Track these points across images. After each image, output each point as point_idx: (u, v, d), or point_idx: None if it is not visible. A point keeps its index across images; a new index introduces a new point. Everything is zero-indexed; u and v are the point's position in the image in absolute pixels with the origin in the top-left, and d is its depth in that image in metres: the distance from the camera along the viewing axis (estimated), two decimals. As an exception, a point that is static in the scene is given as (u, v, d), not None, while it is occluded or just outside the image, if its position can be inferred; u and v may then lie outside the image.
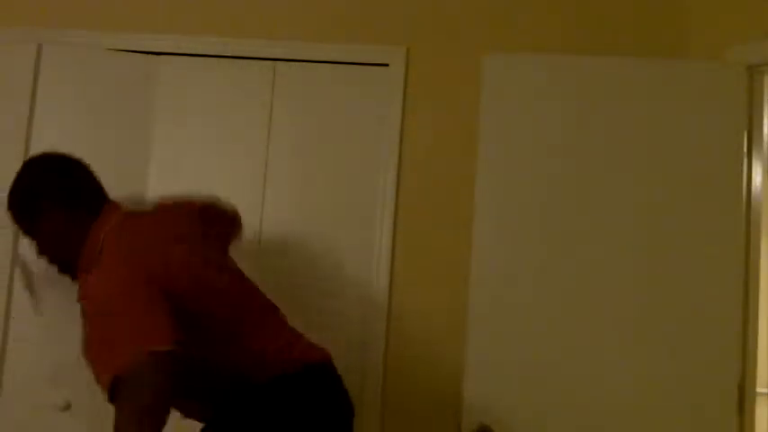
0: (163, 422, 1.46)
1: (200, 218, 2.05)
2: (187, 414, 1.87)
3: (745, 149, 2.31)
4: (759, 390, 2.33)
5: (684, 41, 2.58)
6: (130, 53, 2.72)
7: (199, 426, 1.88)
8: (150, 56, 2.72)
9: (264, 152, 2.66)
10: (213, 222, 2.11)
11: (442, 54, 2.66)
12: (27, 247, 1.98)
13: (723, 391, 2.22)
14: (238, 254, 2.61)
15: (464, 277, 2.44)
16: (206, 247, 1.94)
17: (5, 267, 2.60)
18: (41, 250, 1.89)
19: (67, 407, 2.53)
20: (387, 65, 2.66)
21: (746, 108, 2.33)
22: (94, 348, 1.59)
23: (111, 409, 1.55)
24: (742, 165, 2.30)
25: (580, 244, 2.29)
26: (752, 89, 2.36)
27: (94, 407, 1.89)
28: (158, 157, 2.67)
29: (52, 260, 1.89)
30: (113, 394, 1.50)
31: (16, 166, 2.61)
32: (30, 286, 1.94)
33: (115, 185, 2.65)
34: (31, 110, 2.66)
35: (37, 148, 2.65)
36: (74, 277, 1.86)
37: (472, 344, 2.27)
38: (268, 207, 2.64)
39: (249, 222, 2.64)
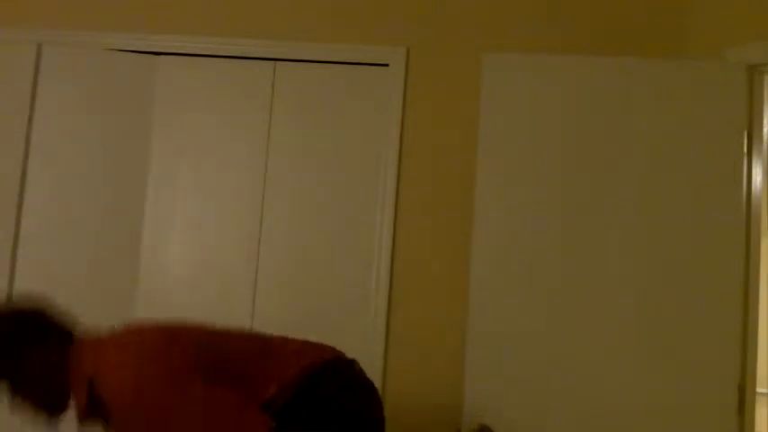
0: None
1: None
2: None
3: (745, 149, 2.31)
4: (759, 390, 2.33)
5: (684, 41, 2.58)
6: (130, 53, 2.72)
7: None
8: (150, 56, 2.72)
9: (264, 152, 2.66)
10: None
11: (442, 54, 2.66)
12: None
13: (723, 391, 2.22)
14: (238, 254, 2.61)
15: (464, 277, 2.45)
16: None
17: (6, 266, 2.60)
18: (32, 402, 1.72)
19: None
20: (387, 65, 2.66)
21: (746, 108, 2.33)
22: None
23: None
24: (742, 165, 2.30)
25: (580, 244, 2.29)
26: (752, 89, 2.36)
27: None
28: (158, 157, 2.67)
29: (43, 407, 1.73)
30: None
31: (16, 165, 2.63)
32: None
33: (115, 185, 2.66)
34: (31, 110, 2.66)
35: (37, 148, 2.66)
36: (62, 411, 1.74)
37: (472, 344, 2.27)
38: (268, 207, 2.64)
39: (249, 222, 2.64)
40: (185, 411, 1.58)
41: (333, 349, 1.90)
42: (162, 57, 2.72)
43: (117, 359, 1.63)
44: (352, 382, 1.85)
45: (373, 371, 2.52)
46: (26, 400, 1.72)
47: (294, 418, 1.73)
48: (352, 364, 1.88)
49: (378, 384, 2.52)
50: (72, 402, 1.72)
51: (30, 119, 2.66)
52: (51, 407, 1.73)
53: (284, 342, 1.88)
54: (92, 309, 2.55)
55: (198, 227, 2.64)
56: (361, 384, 1.86)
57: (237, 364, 1.75)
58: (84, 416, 1.68)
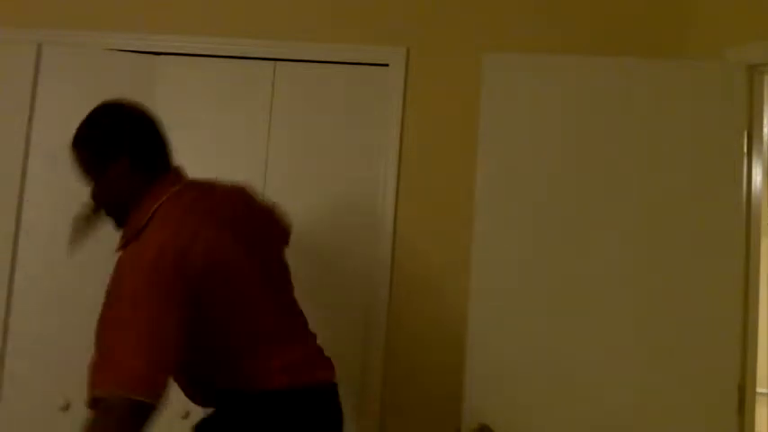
0: None
1: (258, 214, 2.01)
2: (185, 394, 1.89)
3: (745, 149, 2.31)
4: (759, 390, 2.33)
5: (684, 41, 2.58)
6: (130, 53, 2.72)
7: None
8: (150, 56, 2.72)
9: (264, 152, 2.66)
10: (270, 224, 2.07)
11: (442, 54, 2.66)
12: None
13: (723, 391, 2.21)
14: (238, 254, 2.62)
15: (465, 277, 2.44)
16: (253, 239, 1.88)
17: (6, 267, 2.60)
18: (96, 194, 1.84)
19: (67, 407, 2.53)
20: (387, 65, 2.66)
21: (746, 108, 2.33)
22: (98, 342, 1.61)
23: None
24: (742, 165, 2.30)
25: (580, 243, 2.29)
26: (752, 89, 2.36)
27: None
28: (158, 157, 2.67)
29: (103, 205, 1.85)
30: (91, 404, 1.56)
31: (16, 165, 2.63)
32: (82, 228, 1.89)
33: (115, 185, 2.66)
34: (31, 110, 2.66)
35: (37, 148, 2.66)
36: (118, 225, 1.84)
37: (472, 344, 2.27)
38: (268, 207, 2.64)
39: (249, 222, 2.64)
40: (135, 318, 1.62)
41: (326, 370, 1.92)
42: (162, 57, 2.72)
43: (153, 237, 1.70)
44: (329, 412, 1.89)
45: (373, 371, 2.52)
46: (96, 198, 1.84)
47: (268, 411, 1.76)
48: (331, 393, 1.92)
49: (378, 384, 2.52)
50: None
51: (30, 119, 2.66)
52: (117, 215, 1.84)
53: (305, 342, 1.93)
54: (91, 309, 2.54)
55: (198, 227, 2.64)
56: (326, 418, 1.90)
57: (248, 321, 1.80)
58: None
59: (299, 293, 2.61)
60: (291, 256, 2.61)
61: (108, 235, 1.90)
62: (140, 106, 1.91)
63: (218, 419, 1.81)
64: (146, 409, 1.52)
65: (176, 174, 1.89)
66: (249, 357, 1.78)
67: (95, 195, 1.86)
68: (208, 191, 1.91)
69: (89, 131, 1.83)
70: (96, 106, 1.87)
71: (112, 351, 1.58)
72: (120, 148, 1.80)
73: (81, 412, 1.67)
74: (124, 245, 1.77)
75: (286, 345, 1.84)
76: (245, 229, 1.88)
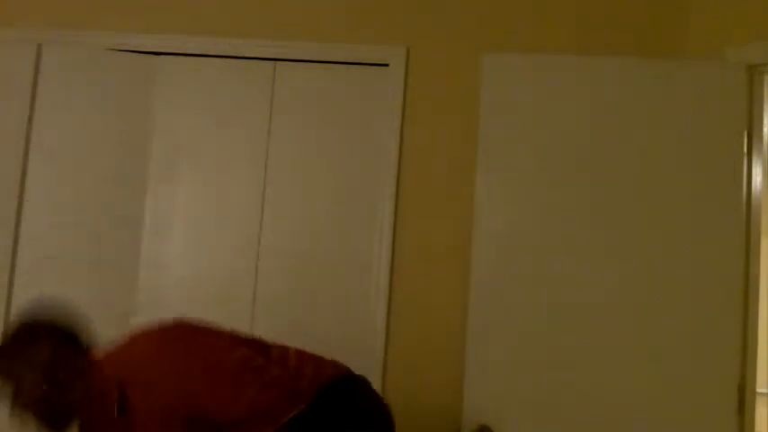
0: None
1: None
2: None
3: (745, 149, 2.31)
4: (759, 390, 2.33)
5: (684, 41, 2.58)
6: (130, 53, 2.72)
7: None
8: (150, 56, 2.72)
9: (264, 152, 2.66)
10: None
11: (442, 54, 2.66)
12: None
13: (723, 391, 2.22)
14: (238, 254, 2.62)
15: (464, 277, 2.45)
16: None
17: (6, 267, 2.60)
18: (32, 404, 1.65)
19: (67, 407, 2.52)
20: (387, 65, 2.66)
21: (746, 108, 2.33)
22: None
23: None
24: (742, 165, 2.30)
25: (580, 244, 2.29)
26: (752, 89, 2.36)
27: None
28: (158, 156, 2.67)
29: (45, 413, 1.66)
30: None
31: (16, 165, 2.63)
32: None
33: (115, 185, 2.66)
34: (31, 110, 2.66)
35: (37, 148, 2.66)
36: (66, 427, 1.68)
37: (472, 344, 2.27)
38: (268, 207, 2.64)
39: (249, 222, 2.64)
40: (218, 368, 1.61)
41: (345, 367, 1.90)
42: (162, 57, 2.72)
43: (144, 343, 1.66)
44: (370, 399, 1.86)
45: (373, 371, 2.52)
46: (33, 408, 1.64)
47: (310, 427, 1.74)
48: (365, 381, 1.90)
49: (378, 384, 2.52)
50: (81, 417, 1.68)
51: (30, 119, 2.66)
52: (56, 418, 1.65)
53: (297, 354, 1.89)
54: (92, 309, 2.55)
55: (198, 227, 2.64)
56: (377, 402, 1.87)
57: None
58: (112, 417, 1.65)
59: (299, 293, 2.61)
60: (292, 254, 2.62)
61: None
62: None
63: None
64: None
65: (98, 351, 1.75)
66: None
67: (25, 401, 1.64)
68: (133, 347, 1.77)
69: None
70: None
71: None
72: (41, 339, 1.66)
73: (81, 412, 1.66)
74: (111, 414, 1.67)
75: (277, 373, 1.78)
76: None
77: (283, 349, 1.87)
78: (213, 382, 1.66)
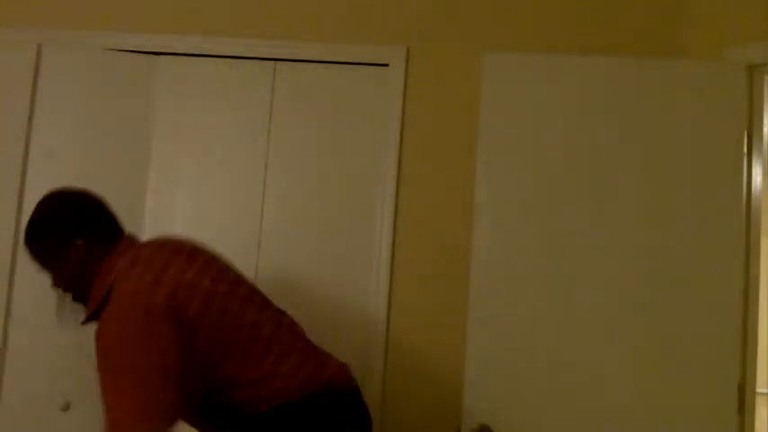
0: None
1: (209, 252, 2.00)
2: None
3: (745, 149, 2.31)
4: (759, 390, 2.33)
5: (684, 41, 2.58)
6: (130, 53, 2.72)
7: None
8: (150, 56, 2.72)
9: (264, 152, 2.66)
10: (220, 259, 2.04)
11: (442, 54, 2.66)
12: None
13: (723, 391, 2.22)
14: (238, 253, 2.61)
15: (464, 277, 2.45)
16: (217, 270, 1.90)
17: (6, 267, 2.60)
18: (61, 283, 1.89)
19: (67, 407, 2.53)
20: (387, 65, 2.66)
21: (746, 108, 2.33)
22: (104, 402, 1.64)
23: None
24: (742, 165, 2.30)
25: (580, 244, 2.29)
26: (752, 89, 2.37)
27: (94, 407, 1.89)
28: (158, 157, 2.67)
29: (70, 291, 1.89)
30: None
31: (16, 165, 2.63)
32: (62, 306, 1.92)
33: (115, 185, 2.66)
34: (31, 110, 2.66)
35: (37, 148, 2.66)
36: (86, 305, 1.86)
37: (472, 345, 2.27)
38: (268, 207, 2.64)
39: (249, 221, 2.64)
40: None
41: (339, 368, 1.90)
42: (162, 57, 2.72)
43: (125, 286, 1.74)
44: (344, 414, 1.87)
45: (373, 371, 2.52)
46: (59, 285, 1.88)
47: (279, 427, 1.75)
48: (353, 392, 1.90)
49: (378, 384, 2.52)
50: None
51: (30, 119, 2.66)
52: (79, 296, 1.87)
53: (301, 344, 1.90)
54: (92, 309, 2.55)
55: (198, 226, 2.64)
56: (353, 418, 1.88)
57: (242, 342, 1.80)
58: (88, 317, 1.82)
59: (299, 294, 2.61)
60: (292, 254, 2.62)
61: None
62: (79, 189, 1.93)
63: None
64: None
65: (129, 240, 1.92)
66: (244, 372, 1.78)
67: (60, 285, 1.89)
68: (161, 244, 1.93)
69: (36, 227, 1.87)
70: (38, 201, 1.90)
71: (118, 404, 1.63)
72: (70, 234, 1.83)
73: (81, 412, 1.67)
74: (92, 316, 1.80)
75: (283, 357, 1.82)
76: (206, 261, 1.89)
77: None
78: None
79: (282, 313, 1.96)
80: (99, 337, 1.70)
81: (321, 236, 2.62)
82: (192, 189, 2.66)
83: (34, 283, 2.61)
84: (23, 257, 2.61)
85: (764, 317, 2.51)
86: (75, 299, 1.89)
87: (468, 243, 2.35)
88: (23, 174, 2.64)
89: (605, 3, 2.65)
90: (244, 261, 2.61)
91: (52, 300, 2.44)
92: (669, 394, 2.21)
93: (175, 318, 1.71)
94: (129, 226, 2.64)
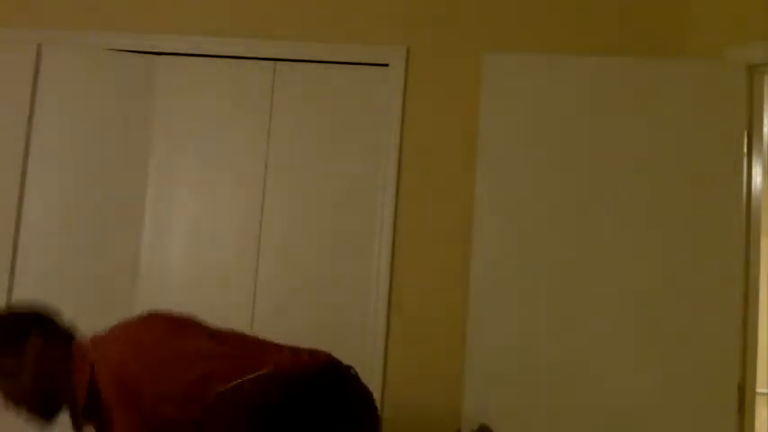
0: None
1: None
2: None
3: (745, 149, 2.31)
4: (759, 390, 2.33)
5: (684, 41, 2.58)
6: (130, 53, 2.72)
7: None
8: (150, 56, 2.72)
9: (264, 152, 2.66)
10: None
11: (442, 54, 2.66)
12: None
13: (723, 391, 2.22)
14: (238, 254, 2.62)
15: (464, 278, 2.44)
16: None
17: (6, 267, 2.60)
18: (10, 395, 1.68)
19: (67, 407, 2.52)
20: (387, 65, 2.66)
21: (746, 108, 2.33)
22: None
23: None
24: (742, 165, 2.30)
25: (579, 244, 2.29)
26: (752, 89, 2.36)
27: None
28: (158, 157, 2.67)
29: (26, 399, 1.69)
30: None
31: (16, 165, 2.63)
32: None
33: (115, 185, 2.66)
34: (31, 110, 2.66)
35: (37, 148, 2.66)
36: (48, 416, 1.71)
37: (472, 344, 2.27)
38: (268, 207, 2.64)
39: (249, 222, 2.64)
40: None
41: (328, 356, 1.88)
42: (162, 57, 2.72)
43: (116, 348, 1.64)
44: (344, 392, 1.84)
45: (373, 371, 2.52)
46: (20, 400, 1.68)
47: (281, 421, 1.73)
48: (347, 371, 1.86)
49: (378, 384, 2.52)
50: (68, 405, 1.70)
51: (30, 119, 2.66)
52: (45, 409, 1.70)
53: (279, 346, 1.87)
54: (91, 309, 2.55)
55: (198, 227, 2.64)
56: (354, 394, 1.85)
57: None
58: (82, 412, 1.67)
59: (298, 293, 2.61)
60: (292, 255, 2.61)
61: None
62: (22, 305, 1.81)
63: None
64: None
65: (81, 339, 1.76)
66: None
67: (14, 394, 1.68)
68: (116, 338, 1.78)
69: None
70: None
71: None
72: (23, 333, 1.68)
73: (81, 412, 1.66)
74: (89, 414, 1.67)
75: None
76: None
77: (257, 342, 1.84)
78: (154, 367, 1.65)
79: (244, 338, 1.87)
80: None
81: (321, 236, 2.62)
82: (191, 189, 2.66)
83: (34, 282, 2.61)
84: (23, 257, 2.62)
85: (764, 317, 2.51)
86: (34, 408, 1.69)
87: (468, 243, 2.35)
88: (23, 174, 2.64)
89: (605, 3, 2.65)
90: (243, 261, 2.62)
91: (52, 296, 2.44)
92: (669, 394, 2.21)
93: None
94: (129, 226, 2.66)
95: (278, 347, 1.83)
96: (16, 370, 1.66)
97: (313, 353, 1.86)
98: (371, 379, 2.53)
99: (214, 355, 1.72)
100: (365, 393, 1.85)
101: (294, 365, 1.78)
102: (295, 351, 1.84)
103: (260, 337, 1.87)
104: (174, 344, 1.74)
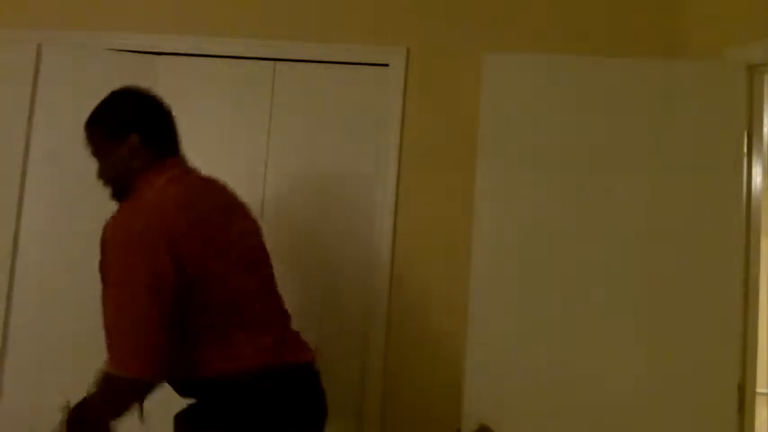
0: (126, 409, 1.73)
1: (241, 209, 2.06)
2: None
3: (745, 149, 2.31)
4: (759, 390, 2.33)
5: (684, 41, 2.58)
6: (130, 53, 2.72)
7: None
8: (150, 56, 2.72)
9: (264, 152, 2.66)
10: (248, 218, 2.10)
11: (442, 54, 2.66)
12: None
13: (723, 391, 2.21)
14: (238, 254, 2.62)
15: (464, 277, 2.44)
16: (240, 228, 1.95)
17: (6, 267, 2.60)
18: (104, 170, 1.94)
19: (68, 407, 2.52)
20: (387, 65, 2.66)
21: (746, 108, 2.33)
22: (105, 320, 1.74)
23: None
24: (742, 165, 2.30)
25: (580, 243, 2.29)
26: (752, 89, 2.36)
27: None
28: (158, 157, 2.67)
29: (109, 180, 1.94)
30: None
31: (16, 165, 2.63)
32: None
33: (115, 185, 2.66)
34: (31, 110, 2.66)
35: (37, 148, 2.66)
36: (118, 198, 1.94)
37: (472, 344, 2.27)
38: (268, 207, 2.64)
39: (249, 222, 2.64)
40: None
41: (300, 352, 1.92)
42: (162, 57, 2.72)
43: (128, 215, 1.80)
44: (310, 391, 1.88)
45: (373, 371, 2.52)
46: (103, 175, 1.94)
47: (247, 394, 1.76)
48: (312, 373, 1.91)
49: (378, 384, 2.52)
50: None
51: (30, 119, 2.66)
52: (116, 192, 1.93)
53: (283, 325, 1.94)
54: (92, 309, 2.55)
55: (198, 227, 2.64)
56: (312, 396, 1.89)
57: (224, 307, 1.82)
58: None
59: (299, 293, 2.61)
60: (292, 255, 2.61)
61: (100, 221, 1.89)
62: (154, 93, 1.99)
63: (196, 409, 1.83)
64: (139, 385, 1.71)
65: (181, 159, 1.97)
66: (220, 343, 1.79)
67: (103, 171, 1.93)
68: (202, 179, 1.99)
69: (102, 111, 1.94)
70: (112, 91, 1.97)
71: (110, 332, 1.71)
72: (130, 126, 1.88)
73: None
74: (117, 194, 1.92)
75: (259, 330, 1.85)
76: (230, 217, 1.94)
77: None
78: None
79: (271, 286, 2.01)
80: (114, 240, 1.79)
81: (321, 236, 2.62)
82: (192, 189, 2.66)
83: (34, 282, 2.61)
84: (23, 257, 2.62)
85: (764, 317, 2.51)
86: (112, 185, 1.93)
87: (468, 243, 2.35)
88: (23, 174, 2.64)
89: (605, 3, 2.65)
90: (244, 261, 2.62)
91: (52, 296, 2.44)
92: (669, 394, 2.21)
93: (182, 264, 1.73)
94: (129, 226, 2.65)
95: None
96: (111, 154, 1.89)
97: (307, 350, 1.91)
98: (372, 379, 2.53)
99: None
100: (320, 394, 1.92)
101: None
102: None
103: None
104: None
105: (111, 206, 1.90)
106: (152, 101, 1.96)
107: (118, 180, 1.92)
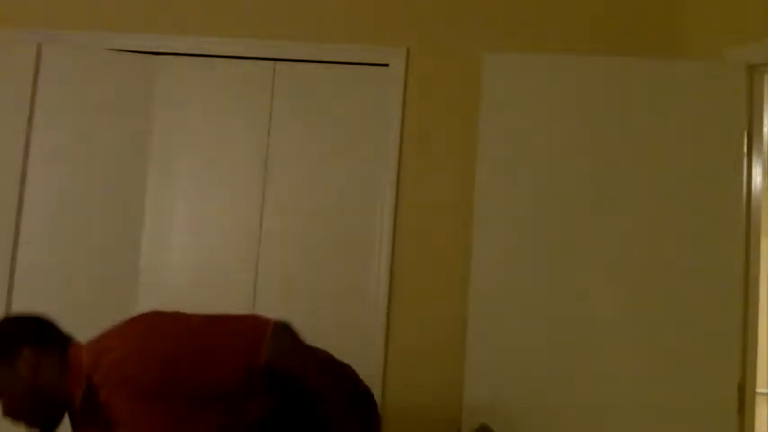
0: None
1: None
2: None
3: (745, 149, 2.31)
4: (759, 390, 2.33)
5: (684, 41, 2.58)
6: (130, 53, 2.72)
7: None
8: (150, 56, 2.72)
9: (264, 152, 2.66)
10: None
11: (442, 54, 2.66)
12: None
13: (723, 391, 2.22)
14: (238, 254, 2.62)
15: (464, 278, 2.44)
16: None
17: (6, 267, 2.60)
18: (11, 405, 1.63)
19: (67, 407, 2.52)
20: (387, 65, 2.66)
21: (746, 108, 2.33)
22: None
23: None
24: (742, 165, 2.30)
25: (579, 244, 2.29)
26: (752, 89, 2.36)
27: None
28: (157, 157, 2.67)
29: (26, 414, 1.63)
30: None
31: (16, 165, 2.63)
32: None
33: (114, 185, 2.66)
34: (31, 110, 2.66)
35: (37, 148, 2.66)
36: (51, 425, 1.66)
37: (472, 344, 2.27)
38: (268, 207, 2.64)
39: (249, 222, 2.64)
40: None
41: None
42: (162, 57, 2.72)
43: (117, 342, 1.61)
44: None
45: (373, 371, 2.52)
46: (19, 413, 1.63)
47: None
48: None
49: (378, 384, 2.52)
50: (68, 412, 1.66)
51: (30, 119, 2.66)
52: (45, 420, 1.65)
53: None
54: (91, 309, 2.55)
55: (198, 227, 2.64)
56: None
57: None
58: (81, 415, 1.64)
59: (298, 293, 2.61)
60: (292, 255, 2.61)
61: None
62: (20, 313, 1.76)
63: None
64: None
65: (76, 343, 1.71)
66: None
67: (11, 407, 1.62)
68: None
69: None
70: None
71: None
72: (15, 344, 1.63)
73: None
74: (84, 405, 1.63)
75: None
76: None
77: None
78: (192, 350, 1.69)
79: None
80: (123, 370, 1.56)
81: (321, 235, 2.62)
82: (192, 189, 2.66)
83: (34, 282, 2.61)
84: (23, 257, 2.62)
85: (764, 317, 2.51)
86: (33, 420, 1.64)
87: (468, 243, 2.35)
88: (23, 174, 2.64)
89: (605, 3, 2.65)
90: (243, 261, 2.62)
91: (52, 296, 2.44)
92: (669, 394, 2.21)
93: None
94: (128, 227, 2.66)
95: None
96: (11, 382, 1.60)
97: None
98: (372, 379, 2.53)
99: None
100: None
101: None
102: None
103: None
104: (183, 320, 1.77)
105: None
106: (24, 316, 1.71)
107: (37, 400, 1.61)
